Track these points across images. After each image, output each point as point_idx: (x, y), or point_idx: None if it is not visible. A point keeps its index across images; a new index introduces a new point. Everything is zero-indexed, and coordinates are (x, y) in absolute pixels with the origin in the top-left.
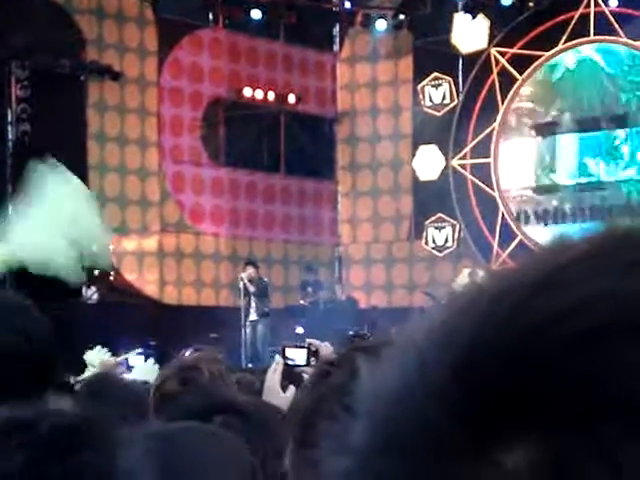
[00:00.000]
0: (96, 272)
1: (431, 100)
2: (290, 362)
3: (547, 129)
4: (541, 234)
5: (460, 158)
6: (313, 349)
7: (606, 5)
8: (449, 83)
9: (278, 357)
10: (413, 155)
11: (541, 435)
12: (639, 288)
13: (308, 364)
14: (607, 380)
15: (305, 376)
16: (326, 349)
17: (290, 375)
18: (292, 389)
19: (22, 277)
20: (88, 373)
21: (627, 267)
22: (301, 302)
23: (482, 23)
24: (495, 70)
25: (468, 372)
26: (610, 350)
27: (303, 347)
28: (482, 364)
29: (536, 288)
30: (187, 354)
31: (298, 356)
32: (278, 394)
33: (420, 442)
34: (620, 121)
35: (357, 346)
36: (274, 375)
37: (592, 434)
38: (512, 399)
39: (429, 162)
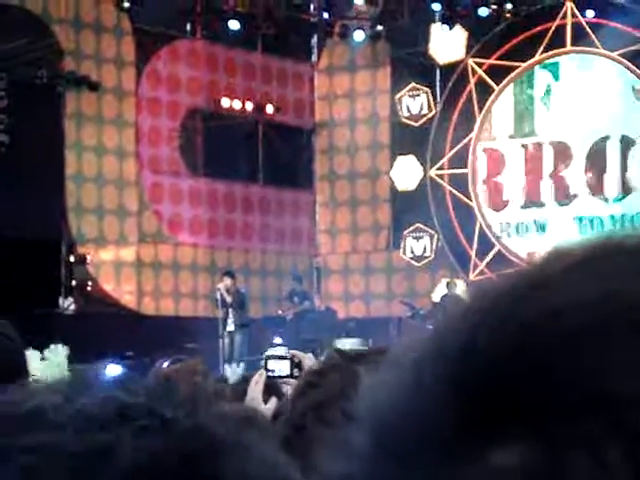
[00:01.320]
0: (73, 282)
1: (409, 110)
2: (272, 374)
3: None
4: (519, 245)
5: (438, 168)
6: (296, 360)
7: (583, 16)
8: (427, 93)
9: (261, 369)
10: (391, 165)
11: (533, 432)
12: (630, 290)
13: (291, 375)
14: (596, 378)
15: (286, 388)
16: (309, 360)
17: (269, 387)
18: (274, 401)
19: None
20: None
21: (619, 271)
22: (279, 312)
23: (459, 34)
24: (472, 80)
25: (463, 374)
26: (600, 349)
27: (286, 358)
28: (476, 365)
29: (530, 290)
30: (165, 364)
31: (281, 367)
32: (259, 405)
33: (419, 447)
34: None
35: (341, 356)
36: (256, 386)
37: (581, 431)
38: (505, 398)
39: (407, 172)
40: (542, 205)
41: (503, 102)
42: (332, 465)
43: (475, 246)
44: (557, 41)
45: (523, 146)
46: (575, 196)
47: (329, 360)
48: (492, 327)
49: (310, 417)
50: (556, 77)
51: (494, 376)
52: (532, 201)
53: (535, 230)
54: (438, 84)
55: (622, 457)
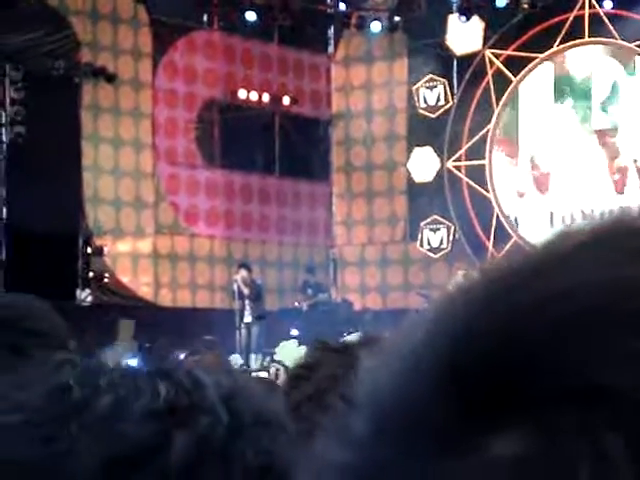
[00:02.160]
0: (90, 274)
1: (426, 102)
2: None
3: None
4: (536, 235)
5: (455, 160)
6: None
7: (600, 7)
8: (444, 85)
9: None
10: (408, 157)
11: (531, 421)
12: (635, 276)
13: None
14: (597, 366)
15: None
16: None
17: None
18: None
19: (14, 279)
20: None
21: (627, 255)
22: (296, 304)
23: (477, 25)
24: (490, 72)
25: (460, 361)
26: (601, 336)
27: None
28: (473, 352)
29: (530, 274)
30: (182, 356)
31: None
32: None
33: (416, 433)
34: None
35: (330, 348)
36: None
37: (580, 420)
38: (503, 386)
39: (424, 164)
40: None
41: (521, 93)
42: (330, 452)
43: (492, 237)
44: (575, 32)
45: (544, 137)
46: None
47: (316, 353)
48: (490, 312)
49: (302, 409)
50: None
51: (492, 363)
52: (550, 192)
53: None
54: (455, 75)
55: (623, 446)
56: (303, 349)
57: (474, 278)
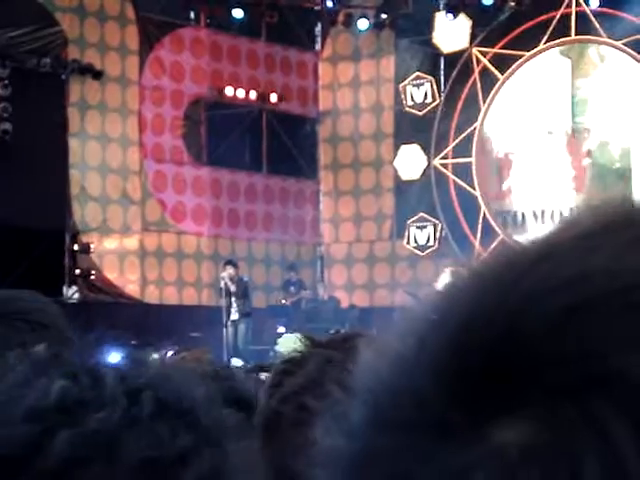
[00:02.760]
0: (77, 271)
1: (413, 99)
2: None
3: None
4: (523, 234)
5: (442, 158)
6: None
7: (587, 5)
8: (431, 82)
9: None
10: (395, 154)
11: (535, 410)
12: (633, 268)
13: None
14: (600, 353)
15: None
16: None
17: None
18: None
19: (0, 276)
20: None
21: (629, 243)
22: (283, 302)
23: (464, 23)
24: (477, 69)
25: (463, 348)
26: (604, 323)
27: None
28: (477, 339)
29: (534, 263)
30: (169, 354)
31: None
32: None
33: (416, 420)
34: None
35: (316, 343)
36: None
37: (584, 407)
38: (506, 374)
39: (411, 161)
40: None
41: (507, 91)
42: (329, 439)
43: (479, 235)
44: (561, 30)
45: (531, 134)
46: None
47: (302, 347)
48: (491, 301)
49: (288, 403)
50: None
51: (494, 352)
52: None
53: (539, 219)
54: (442, 73)
55: (629, 432)
56: None
57: (477, 267)
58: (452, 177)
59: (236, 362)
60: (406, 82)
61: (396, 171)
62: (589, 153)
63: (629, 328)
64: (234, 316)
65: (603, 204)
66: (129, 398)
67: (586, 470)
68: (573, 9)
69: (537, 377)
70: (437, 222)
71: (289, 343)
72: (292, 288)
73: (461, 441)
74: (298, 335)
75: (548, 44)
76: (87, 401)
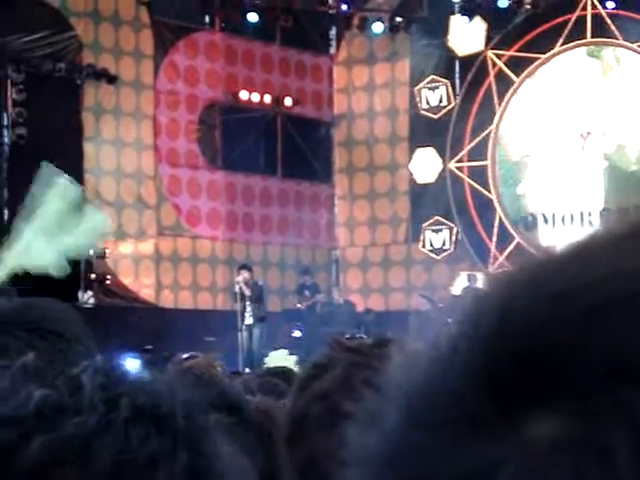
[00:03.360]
0: (92, 276)
1: (428, 103)
2: None
3: None
4: (539, 237)
5: (457, 161)
6: None
7: (603, 7)
8: (446, 86)
9: None
10: (410, 158)
11: (569, 404)
12: None
13: None
14: (629, 347)
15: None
16: None
17: None
18: None
19: (16, 282)
20: None
21: None
22: (298, 306)
23: (479, 25)
24: (492, 72)
25: (497, 343)
26: (631, 320)
27: None
28: (511, 334)
29: (565, 265)
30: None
31: None
32: None
33: (449, 417)
34: None
35: (345, 348)
36: None
37: (615, 399)
38: (540, 368)
39: (426, 165)
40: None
41: (523, 94)
42: (361, 439)
43: (495, 238)
44: (577, 32)
45: (545, 138)
46: None
47: (329, 352)
48: (523, 301)
49: (315, 406)
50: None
51: (529, 347)
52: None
53: (556, 222)
54: (457, 76)
55: None
56: (293, 359)
57: (508, 270)
58: (468, 180)
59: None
60: (421, 85)
61: (411, 174)
62: (605, 156)
63: None
64: (249, 320)
65: (631, 210)
66: (107, 404)
67: (619, 458)
68: (589, 11)
69: (568, 372)
70: (453, 225)
71: (278, 358)
72: (307, 292)
73: (494, 434)
74: (287, 351)
75: (564, 47)
76: (65, 408)
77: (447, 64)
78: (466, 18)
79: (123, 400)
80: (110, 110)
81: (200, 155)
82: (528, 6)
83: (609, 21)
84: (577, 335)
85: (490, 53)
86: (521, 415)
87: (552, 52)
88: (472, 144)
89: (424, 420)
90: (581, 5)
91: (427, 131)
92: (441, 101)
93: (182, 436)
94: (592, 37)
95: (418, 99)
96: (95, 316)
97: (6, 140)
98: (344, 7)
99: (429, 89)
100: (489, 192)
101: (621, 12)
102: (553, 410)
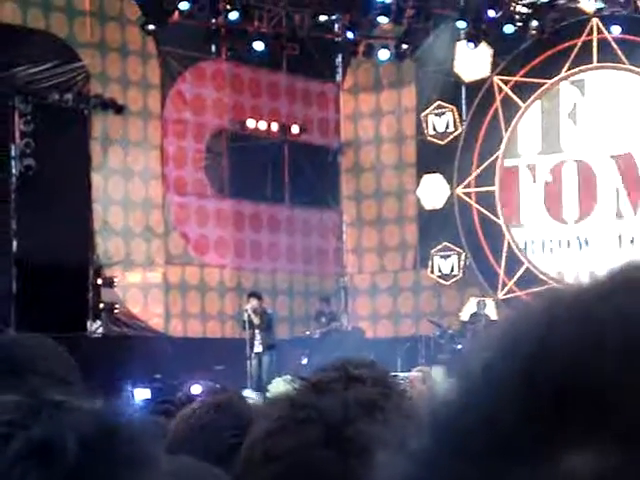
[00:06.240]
0: (101, 305)
1: (435, 129)
2: None
3: None
4: (548, 263)
5: (465, 186)
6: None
7: (609, 32)
8: (452, 111)
9: None
10: (417, 184)
11: (609, 437)
12: None
13: None
14: None
15: None
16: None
17: None
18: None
19: (25, 312)
20: None
21: None
22: (307, 333)
23: (485, 51)
24: (498, 98)
25: (537, 373)
26: None
27: None
28: (550, 363)
29: (607, 296)
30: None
31: None
32: None
33: (487, 444)
34: None
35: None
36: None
37: None
38: (580, 399)
39: (434, 191)
40: (567, 222)
41: (529, 119)
42: (393, 467)
43: (503, 264)
44: (583, 57)
45: (555, 163)
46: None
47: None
48: (570, 325)
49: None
50: (582, 93)
51: (569, 375)
52: (561, 218)
53: (566, 247)
54: (464, 102)
55: None
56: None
57: (544, 297)
58: (475, 206)
59: (249, 393)
60: (428, 111)
61: (419, 200)
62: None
63: None
64: (258, 348)
65: None
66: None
67: None
68: (594, 36)
69: (610, 405)
70: (461, 251)
71: (281, 385)
72: (323, 319)
73: (531, 463)
74: (288, 378)
75: (570, 71)
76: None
77: (453, 90)
78: (472, 44)
79: (18, 435)
80: (117, 140)
81: (208, 184)
82: (534, 32)
83: (615, 45)
84: (621, 368)
85: (496, 79)
86: (560, 446)
87: (558, 77)
88: (479, 170)
89: (461, 448)
90: (587, 30)
91: (434, 157)
92: (448, 127)
93: (72, 471)
94: (598, 62)
95: (425, 125)
96: (104, 345)
97: (14, 171)
98: (350, 35)
99: (435, 115)
100: (497, 217)
101: (627, 37)
102: (593, 443)
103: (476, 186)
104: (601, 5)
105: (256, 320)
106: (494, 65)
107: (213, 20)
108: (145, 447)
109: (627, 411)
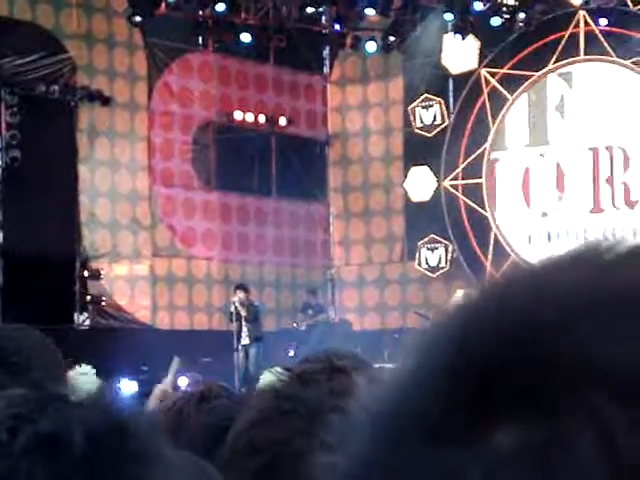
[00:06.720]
0: (88, 297)
1: (422, 121)
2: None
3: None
4: (534, 254)
5: (452, 179)
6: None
7: (596, 24)
8: (440, 104)
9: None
10: (405, 176)
11: (533, 411)
12: (624, 277)
13: None
14: (599, 352)
15: None
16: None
17: None
18: None
19: (11, 304)
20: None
21: (627, 261)
22: (294, 325)
23: (472, 44)
24: (485, 90)
25: (458, 361)
26: (601, 322)
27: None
28: (471, 352)
29: (533, 277)
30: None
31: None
32: None
33: (419, 438)
34: None
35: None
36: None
37: (584, 407)
38: (501, 378)
39: (421, 183)
40: (555, 214)
41: (517, 111)
42: (328, 458)
43: (490, 256)
44: (570, 50)
45: (541, 155)
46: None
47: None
48: (491, 305)
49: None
50: (570, 86)
51: (489, 357)
52: (545, 211)
53: (555, 239)
54: (451, 94)
55: (628, 431)
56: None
57: (477, 290)
58: (462, 198)
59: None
60: (415, 104)
61: (406, 193)
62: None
63: (626, 325)
64: (245, 341)
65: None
66: (8, 433)
67: (584, 455)
68: (582, 28)
69: (535, 378)
70: (448, 243)
71: (269, 380)
72: (310, 311)
73: (458, 446)
74: (277, 370)
75: (557, 64)
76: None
77: (441, 82)
78: (459, 36)
79: (25, 429)
80: (104, 131)
81: (195, 176)
82: (521, 24)
83: (602, 38)
84: (540, 345)
85: (483, 71)
86: (486, 426)
87: (545, 69)
88: (466, 162)
89: (390, 439)
90: (574, 22)
91: (421, 149)
92: (435, 119)
93: (79, 465)
94: (585, 54)
95: (412, 117)
96: (91, 338)
97: (0, 163)
98: (337, 27)
99: (423, 107)
100: (484, 210)
101: (614, 29)
102: (518, 419)
103: (463, 178)
104: None
105: (243, 312)
106: (481, 57)
107: (200, 12)
108: (152, 442)
109: (548, 384)
